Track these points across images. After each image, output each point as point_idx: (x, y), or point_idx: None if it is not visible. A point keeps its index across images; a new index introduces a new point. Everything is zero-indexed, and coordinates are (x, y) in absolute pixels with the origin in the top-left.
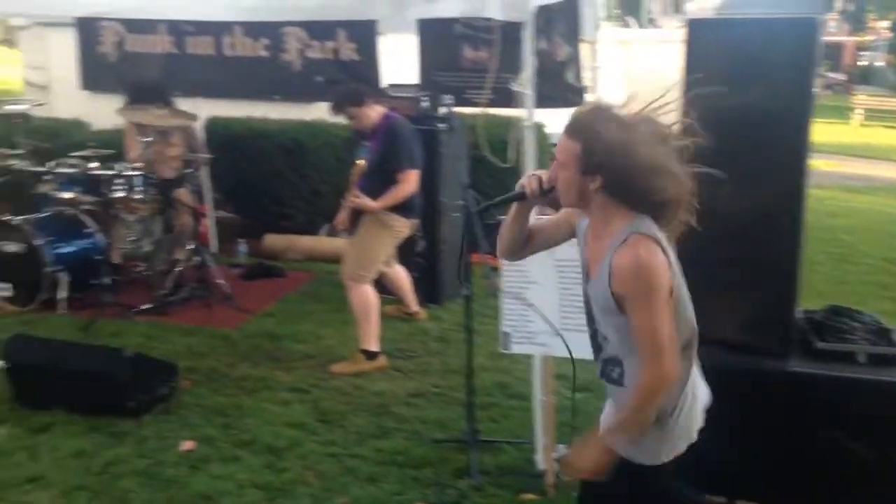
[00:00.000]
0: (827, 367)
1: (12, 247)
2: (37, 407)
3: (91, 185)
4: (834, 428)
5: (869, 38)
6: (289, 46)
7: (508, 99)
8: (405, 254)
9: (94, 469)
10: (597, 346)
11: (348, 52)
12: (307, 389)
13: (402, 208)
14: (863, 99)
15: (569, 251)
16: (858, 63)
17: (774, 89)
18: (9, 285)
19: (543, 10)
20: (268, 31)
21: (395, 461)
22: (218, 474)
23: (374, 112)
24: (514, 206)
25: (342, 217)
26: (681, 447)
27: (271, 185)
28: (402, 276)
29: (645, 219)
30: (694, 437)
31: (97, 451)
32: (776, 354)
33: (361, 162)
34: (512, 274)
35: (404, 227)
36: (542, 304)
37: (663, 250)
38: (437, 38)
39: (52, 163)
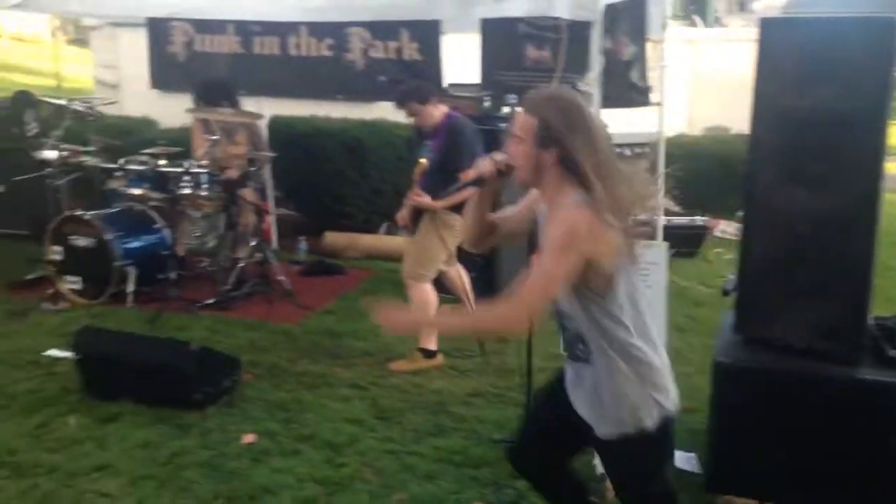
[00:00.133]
0: None
1: (83, 241)
2: (105, 398)
3: (159, 181)
4: None
5: None
6: (352, 46)
7: None
8: (463, 252)
9: (159, 459)
10: (561, 327)
11: (411, 51)
12: (366, 386)
13: (463, 208)
14: None
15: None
16: None
17: (849, 90)
18: (78, 278)
19: (609, 9)
20: (332, 31)
21: (452, 460)
22: (278, 467)
23: (438, 111)
24: (474, 194)
25: (403, 214)
26: (654, 415)
27: (332, 183)
28: (461, 276)
29: (588, 194)
30: (670, 405)
31: (163, 442)
32: (847, 361)
33: (423, 161)
34: None
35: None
36: None
37: (607, 225)
38: (501, 37)
39: (123, 160)
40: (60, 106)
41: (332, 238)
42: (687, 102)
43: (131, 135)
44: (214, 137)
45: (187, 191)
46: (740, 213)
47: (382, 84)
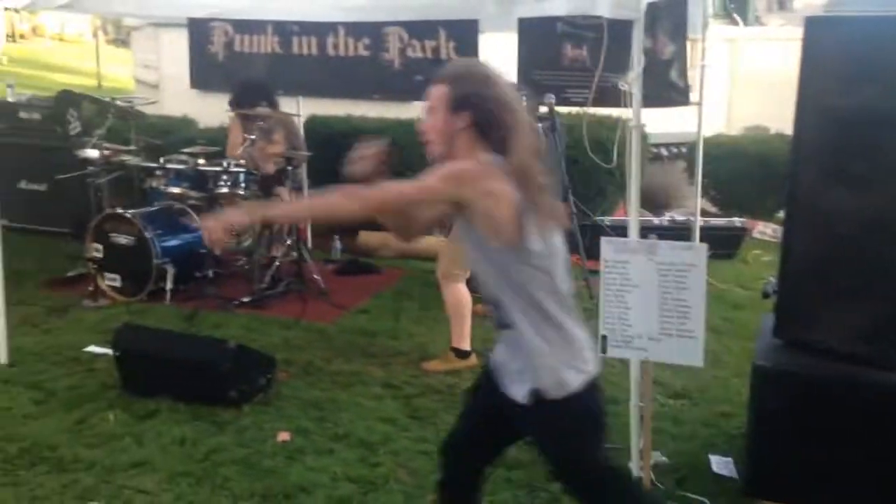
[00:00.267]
0: None
1: (123, 239)
2: (143, 394)
3: (198, 180)
4: None
5: None
6: (390, 46)
7: (610, 98)
8: None
9: (196, 456)
10: (486, 297)
11: (448, 51)
12: (399, 386)
13: None
14: None
15: (671, 254)
16: None
17: (894, 89)
18: (118, 276)
19: (650, 8)
20: (370, 30)
21: None
22: (313, 466)
23: None
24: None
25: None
26: (575, 379)
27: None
28: None
29: (497, 157)
30: (592, 371)
31: (199, 439)
32: (889, 365)
33: None
34: (612, 276)
35: None
36: (641, 307)
37: (504, 181)
38: (538, 36)
39: (163, 159)
40: (103, 105)
41: (366, 237)
42: (726, 102)
43: (171, 134)
44: (252, 137)
45: (225, 189)
46: (780, 215)
47: (419, 83)
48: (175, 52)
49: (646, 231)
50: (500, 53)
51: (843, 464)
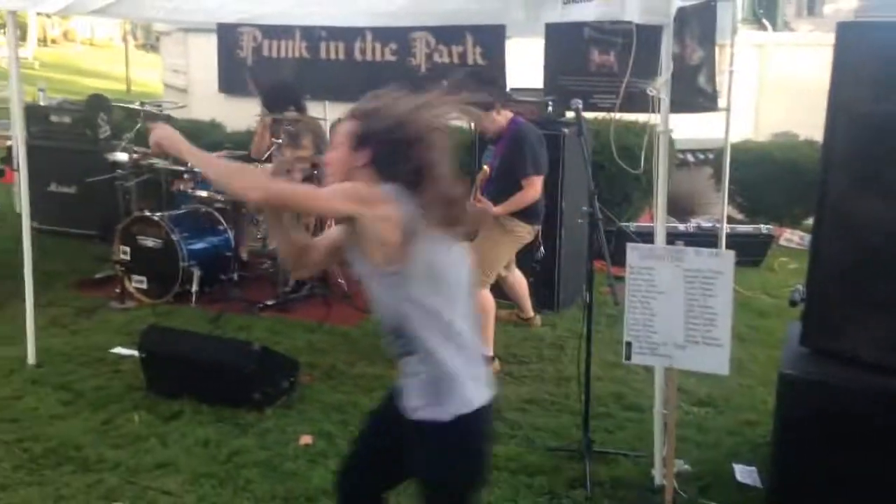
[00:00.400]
0: None
1: (151, 242)
2: (168, 395)
3: None
4: None
5: None
6: (416, 51)
7: (637, 103)
8: (522, 258)
9: (219, 458)
10: (387, 334)
11: (475, 56)
12: None
13: (526, 214)
14: None
15: (697, 261)
16: None
17: None
18: (145, 278)
19: (679, 13)
20: (397, 36)
21: (507, 467)
22: (335, 469)
23: (502, 117)
24: (271, 217)
25: None
26: (477, 401)
27: None
28: (521, 282)
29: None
30: (473, 406)
31: (223, 441)
32: None
33: (486, 168)
34: (638, 283)
35: (527, 232)
36: (666, 314)
37: (409, 221)
38: (565, 42)
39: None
40: (132, 112)
41: None
42: (754, 108)
43: (199, 138)
44: (279, 141)
45: None
46: (808, 222)
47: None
48: (203, 56)
49: (672, 237)
50: (526, 59)
51: (870, 474)
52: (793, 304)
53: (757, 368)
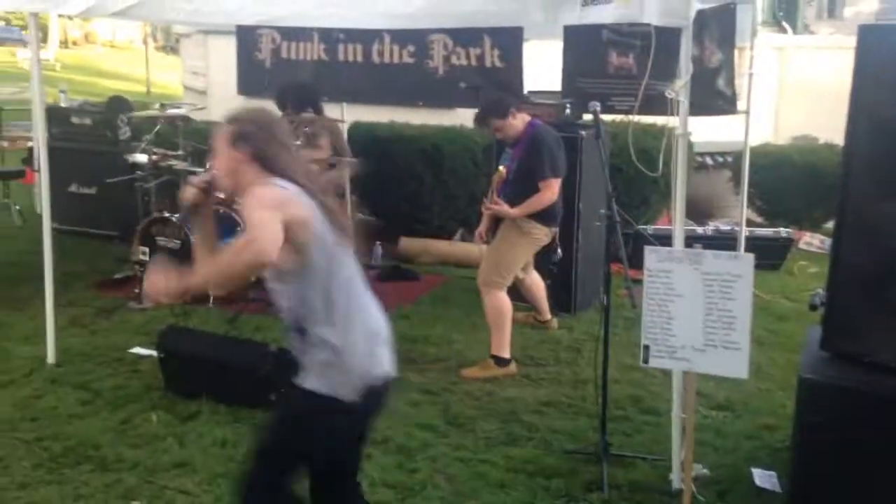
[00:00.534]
0: None
1: (170, 242)
2: (186, 395)
3: None
4: None
5: None
6: (434, 53)
7: (656, 106)
8: (539, 261)
9: (236, 458)
10: (289, 323)
11: (493, 58)
12: (438, 392)
13: (543, 216)
14: None
15: (715, 263)
16: None
17: None
18: None
19: (698, 16)
20: (415, 38)
21: (524, 469)
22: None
23: (519, 121)
24: (194, 223)
25: (482, 230)
26: (356, 384)
27: (408, 188)
28: (538, 284)
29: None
30: (373, 379)
31: (240, 441)
32: None
33: (502, 170)
34: (656, 286)
35: (544, 235)
36: (685, 317)
37: (296, 199)
38: (584, 44)
39: (210, 163)
40: (152, 116)
41: (407, 243)
42: (774, 111)
43: None
44: (297, 142)
45: None
46: (828, 225)
47: (462, 91)
48: (223, 58)
49: (690, 241)
50: (544, 61)
51: (890, 480)
52: (813, 308)
53: (776, 372)
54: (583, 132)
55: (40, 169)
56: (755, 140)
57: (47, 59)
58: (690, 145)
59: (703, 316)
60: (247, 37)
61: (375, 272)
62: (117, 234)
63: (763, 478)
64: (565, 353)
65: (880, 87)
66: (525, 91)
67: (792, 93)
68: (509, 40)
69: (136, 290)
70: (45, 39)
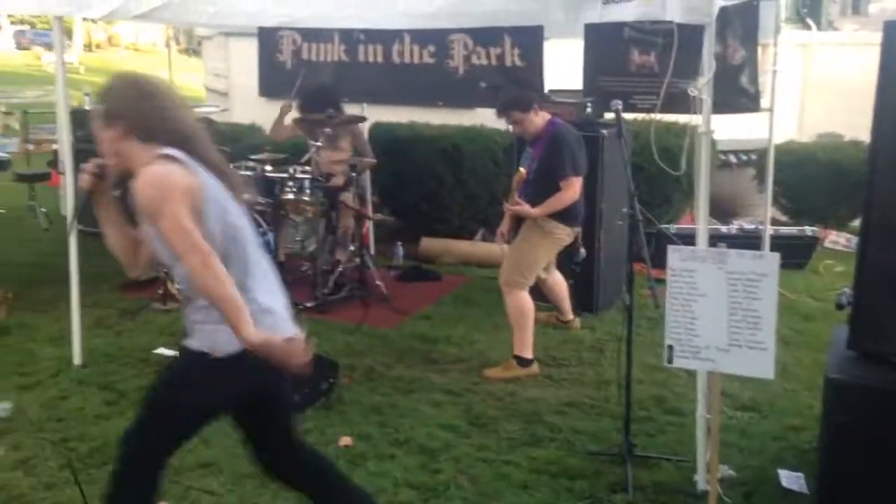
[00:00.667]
0: None
1: None
2: None
3: (265, 186)
4: None
5: None
6: (454, 53)
7: (678, 104)
8: (562, 260)
9: None
10: (184, 293)
11: (513, 58)
12: (460, 393)
13: (564, 216)
14: None
15: (739, 263)
16: None
17: None
18: None
19: (721, 12)
20: (435, 38)
21: (548, 470)
22: (374, 471)
23: (540, 118)
24: (95, 209)
25: (503, 231)
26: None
27: (429, 189)
28: (560, 284)
29: (172, 149)
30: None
31: None
32: None
33: (522, 170)
34: (679, 285)
35: (566, 234)
36: (709, 317)
37: (189, 171)
38: (605, 42)
39: (231, 165)
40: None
41: (428, 244)
42: (798, 108)
43: (239, 141)
44: (318, 143)
45: (291, 196)
46: (854, 224)
47: (483, 91)
48: (244, 61)
49: (713, 240)
50: (565, 60)
51: None
52: (839, 307)
53: (802, 372)
54: (604, 131)
55: (65, 171)
56: (779, 138)
57: (71, 63)
58: (713, 143)
59: (727, 316)
60: (268, 38)
61: (397, 272)
62: None
63: (790, 479)
64: (588, 353)
65: None
66: (546, 90)
67: (816, 90)
68: (530, 39)
69: (160, 292)
70: (69, 42)
